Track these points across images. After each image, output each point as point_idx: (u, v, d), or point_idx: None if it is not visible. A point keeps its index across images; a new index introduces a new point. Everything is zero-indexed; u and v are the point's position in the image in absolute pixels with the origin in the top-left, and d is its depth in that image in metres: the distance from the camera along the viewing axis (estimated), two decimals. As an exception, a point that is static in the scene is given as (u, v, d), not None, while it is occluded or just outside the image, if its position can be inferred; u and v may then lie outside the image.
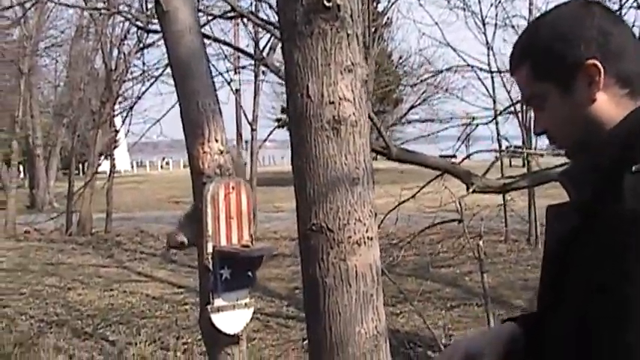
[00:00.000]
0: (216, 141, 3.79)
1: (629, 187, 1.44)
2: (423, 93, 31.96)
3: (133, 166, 65.48)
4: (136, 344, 8.86)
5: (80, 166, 36.32)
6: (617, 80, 1.58)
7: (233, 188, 3.78)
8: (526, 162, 14.03)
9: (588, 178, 1.55)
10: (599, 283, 1.45)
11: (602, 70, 1.56)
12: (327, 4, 3.05)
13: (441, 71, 11.98)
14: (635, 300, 1.39)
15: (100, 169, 23.30)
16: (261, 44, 13.55)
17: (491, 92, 17.34)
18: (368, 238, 3.22)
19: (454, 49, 12.31)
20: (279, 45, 6.20)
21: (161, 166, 71.22)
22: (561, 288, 1.56)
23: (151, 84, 18.16)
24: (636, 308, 1.39)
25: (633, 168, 1.45)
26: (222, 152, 3.80)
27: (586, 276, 1.49)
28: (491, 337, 1.77)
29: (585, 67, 1.57)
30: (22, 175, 40.94)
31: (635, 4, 8.60)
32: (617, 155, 1.51)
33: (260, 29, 13.33)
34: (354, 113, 3.16)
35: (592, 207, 1.51)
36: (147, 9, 9.77)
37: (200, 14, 4.80)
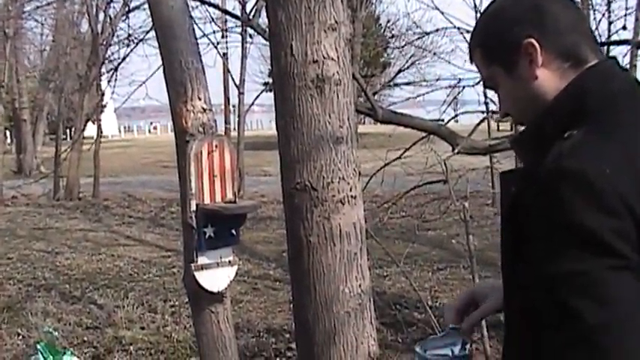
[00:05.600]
0: (199, 99, 3.78)
1: (554, 150, 1.46)
2: (410, 57, 31.90)
3: (120, 131, 65.19)
4: (124, 307, 8.87)
5: (67, 130, 36.11)
6: (557, 55, 1.62)
7: (216, 146, 3.78)
8: (513, 126, 13.99)
9: (533, 145, 1.59)
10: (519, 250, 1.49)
11: (538, 48, 1.60)
12: (309, -39, 3.04)
13: (428, 33, 11.81)
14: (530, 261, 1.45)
15: (87, 134, 23.18)
16: (248, 7, 13.47)
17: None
18: (352, 196, 3.23)
19: (442, 12, 12.20)
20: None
21: (149, 131, 70.82)
22: (509, 254, 1.58)
23: (136, 45, 18.09)
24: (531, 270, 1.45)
25: (566, 134, 1.49)
26: (205, 110, 3.80)
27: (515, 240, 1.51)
28: (499, 285, 1.78)
29: (523, 46, 1.61)
30: (8, 140, 40.75)
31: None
32: (557, 122, 1.55)
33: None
34: (337, 72, 3.16)
35: (529, 172, 1.56)
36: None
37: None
